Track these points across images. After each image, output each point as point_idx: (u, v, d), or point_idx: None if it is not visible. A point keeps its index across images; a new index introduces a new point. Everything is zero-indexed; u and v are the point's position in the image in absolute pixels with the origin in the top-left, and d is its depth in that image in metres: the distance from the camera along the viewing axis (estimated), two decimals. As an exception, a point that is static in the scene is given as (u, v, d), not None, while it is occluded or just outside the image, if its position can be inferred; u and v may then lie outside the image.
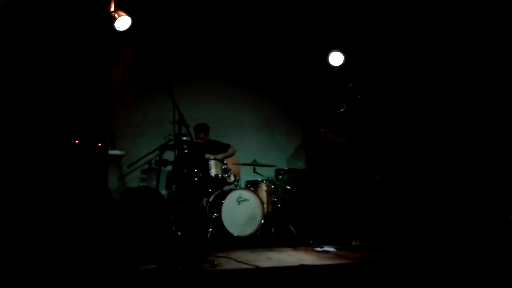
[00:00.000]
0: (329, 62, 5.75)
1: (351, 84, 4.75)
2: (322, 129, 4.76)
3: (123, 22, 4.87)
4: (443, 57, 4.98)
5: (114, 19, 4.82)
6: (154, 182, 5.04)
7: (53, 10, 4.84)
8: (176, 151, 4.48)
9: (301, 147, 6.49)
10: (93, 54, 5.27)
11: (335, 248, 4.31)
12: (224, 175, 4.81)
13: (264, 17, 5.82)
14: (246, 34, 6.01)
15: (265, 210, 4.75)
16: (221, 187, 4.95)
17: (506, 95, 4.44)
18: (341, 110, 4.76)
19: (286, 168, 5.84)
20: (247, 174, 5.42)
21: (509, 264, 3.45)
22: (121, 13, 4.82)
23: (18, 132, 4.06)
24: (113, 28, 4.87)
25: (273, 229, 4.86)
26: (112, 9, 4.81)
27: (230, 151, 5.36)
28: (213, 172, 4.75)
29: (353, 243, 4.38)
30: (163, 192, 5.39)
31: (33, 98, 4.57)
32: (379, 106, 5.03)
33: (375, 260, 3.70)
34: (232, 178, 4.93)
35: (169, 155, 5.18)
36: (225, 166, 4.88)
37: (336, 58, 5.72)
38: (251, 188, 4.91)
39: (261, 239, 4.65)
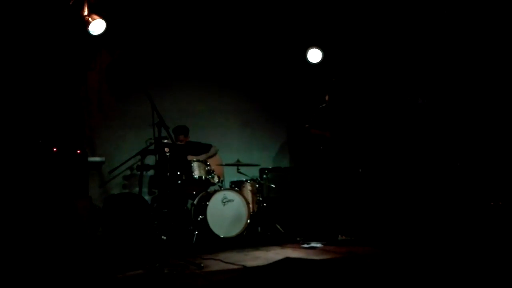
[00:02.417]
0: (307, 59, 5.77)
1: (334, 79, 4.79)
2: (306, 125, 4.78)
3: (97, 26, 4.78)
4: (420, 50, 5.06)
5: (88, 23, 4.72)
6: (137, 188, 4.97)
7: (25, 15, 4.72)
8: (158, 155, 4.42)
9: (285, 145, 6.49)
10: (69, 60, 5.16)
11: (322, 244, 4.33)
12: (207, 177, 4.77)
13: (242, 17, 5.81)
14: (225, 34, 5.98)
15: (251, 210, 4.73)
16: (205, 189, 4.91)
17: (483, 85, 4.53)
18: (324, 104, 4.79)
19: (270, 167, 5.83)
20: (231, 175, 5.39)
21: (493, 250, 3.52)
22: (95, 17, 4.73)
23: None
24: (88, 32, 4.78)
25: (259, 228, 4.85)
26: (86, 13, 4.72)
27: (212, 151, 5.32)
28: (196, 174, 4.71)
29: (339, 237, 4.41)
30: (147, 197, 5.31)
31: (8, 106, 4.45)
32: (360, 100, 5.08)
33: (361, 254, 3.73)
34: (216, 179, 4.90)
35: (151, 159, 5.11)
36: (209, 167, 4.85)
37: (314, 55, 5.75)
38: (236, 189, 4.88)
39: (248, 239, 4.63)
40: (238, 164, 5.05)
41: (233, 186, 5.07)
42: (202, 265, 3.35)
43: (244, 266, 3.28)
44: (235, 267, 3.32)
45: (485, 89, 4.51)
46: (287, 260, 3.05)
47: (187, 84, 5.88)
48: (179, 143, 5.10)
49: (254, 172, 5.54)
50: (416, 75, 5.06)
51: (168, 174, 4.52)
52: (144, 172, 4.92)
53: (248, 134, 6.24)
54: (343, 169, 4.59)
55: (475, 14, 4.54)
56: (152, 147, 4.64)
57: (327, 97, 4.79)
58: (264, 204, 4.97)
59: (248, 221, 4.63)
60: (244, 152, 5.80)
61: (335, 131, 4.63)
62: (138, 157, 4.92)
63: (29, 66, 4.78)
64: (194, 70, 5.93)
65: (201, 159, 4.90)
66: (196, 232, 4.39)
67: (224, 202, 4.61)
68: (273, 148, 6.41)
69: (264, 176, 5.51)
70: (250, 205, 4.75)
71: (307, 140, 5.07)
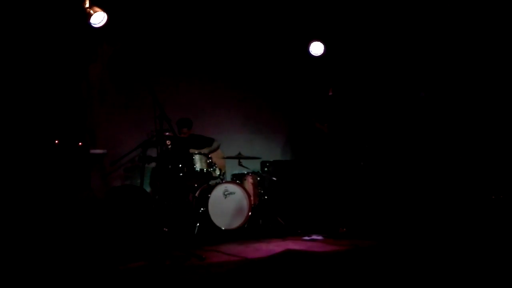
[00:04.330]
0: (310, 52, 5.74)
1: (336, 72, 4.78)
2: (313, 118, 4.79)
3: (99, 18, 4.76)
4: (423, 43, 5.03)
5: (90, 15, 4.70)
6: (138, 180, 4.98)
7: (27, 7, 4.70)
8: (159, 147, 4.43)
9: (286, 138, 6.50)
10: (70, 52, 5.14)
11: (323, 236, 4.34)
12: (209, 169, 4.78)
13: (245, 10, 5.77)
14: (227, 27, 5.95)
15: (252, 203, 4.75)
16: (207, 182, 4.92)
17: (484, 79, 4.52)
18: (327, 97, 4.79)
19: (272, 160, 5.83)
20: (232, 167, 5.40)
21: (494, 243, 3.53)
22: (97, 9, 4.70)
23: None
24: (89, 24, 4.76)
25: (260, 220, 4.86)
26: (87, 5, 4.70)
27: (214, 145, 5.32)
28: (198, 166, 4.72)
29: (340, 230, 4.43)
30: (148, 189, 5.33)
31: (9, 99, 4.45)
32: (362, 93, 5.07)
33: (362, 246, 3.75)
34: (217, 172, 4.91)
35: (153, 152, 5.12)
36: (210, 160, 4.85)
37: (316, 48, 5.72)
38: (237, 181, 4.89)
39: (249, 231, 4.65)
40: (239, 157, 5.06)
41: (234, 178, 5.09)
42: (203, 256, 3.37)
43: (246, 258, 3.30)
44: (237, 259, 3.34)
45: (486, 83, 4.49)
46: (288, 252, 3.08)
47: (189, 76, 5.87)
48: (182, 135, 5.11)
49: (255, 165, 5.56)
50: (419, 68, 5.03)
51: (170, 166, 4.54)
52: (146, 165, 4.93)
53: (249, 127, 6.24)
54: (344, 162, 4.59)
55: (478, 7, 4.51)
56: (154, 139, 4.64)
57: (330, 92, 4.78)
58: (265, 197, 4.99)
59: (250, 213, 4.65)
60: (245, 145, 5.81)
61: (335, 125, 4.63)
62: (140, 149, 4.92)
63: (30, 59, 4.77)
64: (196, 62, 5.92)
65: (204, 152, 4.91)
66: (198, 224, 4.41)
67: (226, 195, 4.63)
68: (275, 141, 6.41)
69: (266, 169, 5.52)
70: (252, 198, 4.77)
71: (312, 133, 5.07)
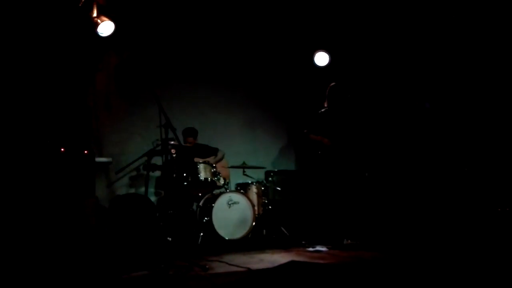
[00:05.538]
0: (314, 63, 5.76)
1: (333, 83, 4.76)
2: (305, 130, 4.77)
3: (106, 28, 4.81)
4: (428, 54, 5.03)
5: (97, 24, 4.76)
6: (143, 189, 4.99)
7: (35, 17, 4.77)
8: (164, 156, 4.44)
9: (290, 148, 6.49)
10: (77, 60, 5.20)
11: (327, 248, 4.30)
12: (213, 179, 4.78)
13: (248, 20, 5.82)
14: (231, 37, 6.01)
15: (256, 212, 4.73)
16: (211, 191, 4.92)
17: (491, 91, 4.50)
18: (323, 109, 4.77)
19: (276, 170, 5.82)
20: (237, 177, 5.39)
21: (499, 256, 3.48)
22: (104, 18, 4.76)
23: (1, 140, 3.98)
24: (96, 34, 4.81)
25: (264, 231, 4.84)
26: (95, 14, 4.76)
27: (219, 155, 5.33)
28: (202, 175, 4.72)
29: (345, 242, 4.38)
30: (153, 198, 5.34)
31: (17, 107, 4.49)
32: (365, 104, 5.05)
33: (367, 258, 3.71)
34: (222, 181, 4.90)
35: (158, 160, 5.13)
36: (215, 169, 4.86)
37: (321, 58, 5.74)
38: (241, 191, 4.89)
39: (253, 241, 4.63)
40: (244, 166, 5.06)
41: (238, 188, 5.07)
42: (207, 267, 3.35)
43: (249, 269, 3.27)
44: (240, 269, 3.31)
45: (493, 95, 4.48)
46: (292, 263, 3.05)
47: (194, 86, 5.91)
48: (187, 145, 5.12)
49: (260, 174, 5.54)
50: (424, 79, 5.03)
51: (174, 175, 4.54)
52: (151, 173, 4.94)
53: (254, 136, 6.25)
54: (349, 173, 4.56)
55: (484, 20, 4.51)
56: (159, 148, 4.66)
57: (325, 103, 4.76)
58: (270, 207, 4.97)
59: (253, 223, 4.63)
60: (250, 155, 5.80)
61: (336, 136, 4.59)
62: (145, 158, 4.94)
63: (37, 67, 4.82)
64: (201, 73, 5.96)
65: (210, 162, 4.91)
66: (201, 234, 4.40)
67: (230, 204, 4.61)
68: (279, 151, 6.41)
69: (270, 178, 5.51)
70: (256, 208, 4.75)
71: (306, 145, 5.05)
